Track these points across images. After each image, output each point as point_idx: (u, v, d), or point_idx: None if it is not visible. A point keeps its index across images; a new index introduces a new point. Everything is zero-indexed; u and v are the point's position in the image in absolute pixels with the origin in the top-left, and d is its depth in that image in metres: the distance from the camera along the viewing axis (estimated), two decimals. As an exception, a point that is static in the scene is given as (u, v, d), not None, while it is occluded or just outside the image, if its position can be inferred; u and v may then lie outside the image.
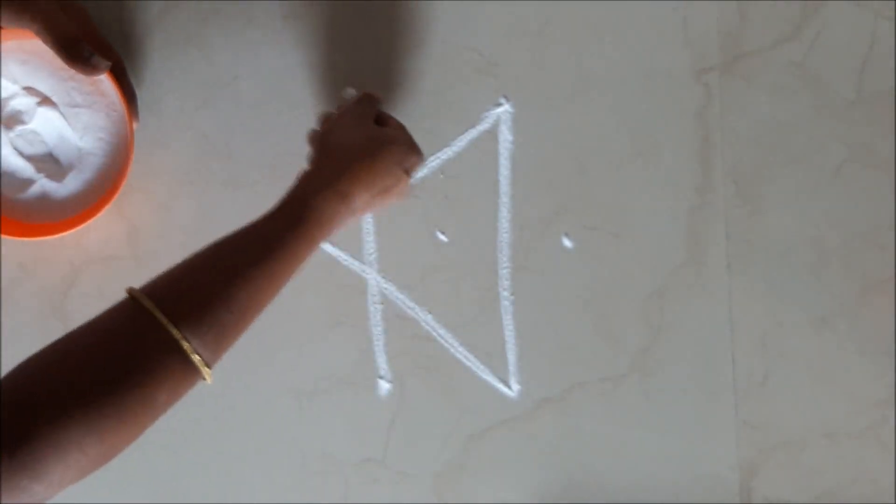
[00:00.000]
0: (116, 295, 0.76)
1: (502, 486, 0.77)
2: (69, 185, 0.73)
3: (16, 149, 0.72)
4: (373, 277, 0.76)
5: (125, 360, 0.50)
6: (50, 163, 0.73)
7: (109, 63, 0.68)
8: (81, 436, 0.47)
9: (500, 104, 0.76)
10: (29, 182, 0.73)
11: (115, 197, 0.70)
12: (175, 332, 0.51)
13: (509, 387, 0.77)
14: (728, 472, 0.77)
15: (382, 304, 0.77)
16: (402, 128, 0.68)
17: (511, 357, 0.77)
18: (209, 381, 0.53)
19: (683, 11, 0.76)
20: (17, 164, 0.72)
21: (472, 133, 0.76)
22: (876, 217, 0.77)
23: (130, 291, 0.53)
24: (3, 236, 0.71)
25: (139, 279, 0.76)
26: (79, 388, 0.48)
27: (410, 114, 0.76)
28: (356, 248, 0.76)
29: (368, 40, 0.76)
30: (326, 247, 0.76)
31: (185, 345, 0.51)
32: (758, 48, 0.76)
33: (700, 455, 0.77)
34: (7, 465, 0.45)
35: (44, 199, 0.73)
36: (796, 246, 0.77)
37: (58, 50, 0.65)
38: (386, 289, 0.77)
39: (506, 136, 0.76)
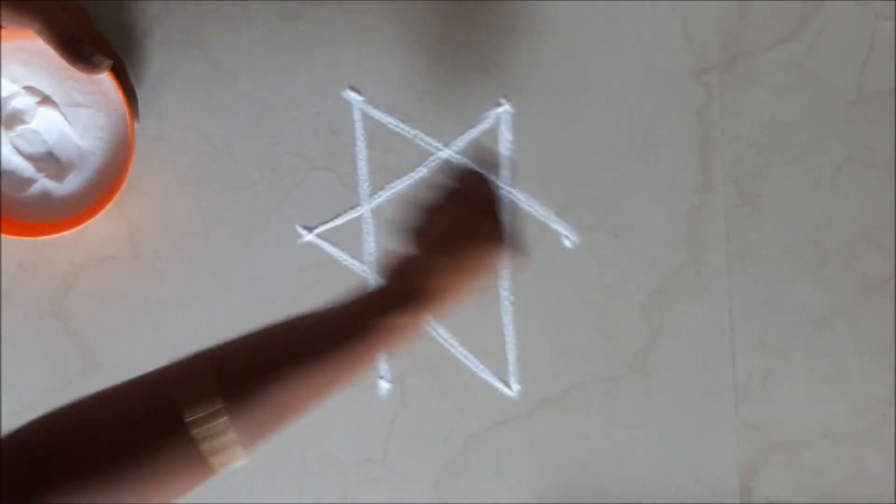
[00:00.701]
0: (116, 295, 0.76)
1: (502, 486, 0.77)
2: (70, 185, 0.73)
3: (16, 148, 0.72)
4: (373, 277, 0.76)
5: (137, 431, 0.47)
6: (50, 162, 0.73)
7: (110, 62, 0.68)
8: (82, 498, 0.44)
9: (500, 104, 0.76)
10: (29, 181, 0.73)
11: (116, 197, 0.70)
12: (201, 404, 0.47)
13: (509, 387, 0.77)
14: (728, 472, 0.77)
15: (382, 304, 0.77)
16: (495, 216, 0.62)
17: (511, 357, 0.77)
18: (230, 464, 0.48)
19: (683, 11, 0.76)
20: (18, 164, 0.72)
21: (472, 133, 0.77)
22: (876, 217, 0.77)
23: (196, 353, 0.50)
24: (4, 235, 0.71)
25: (139, 279, 0.76)
26: (85, 454, 0.45)
27: (411, 114, 0.76)
28: (356, 248, 0.76)
29: (368, 40, 0.76)
30: (326, 246, 0.76)
31: (204, 421, 0.47)
32: (758, 48, 0.76)
33: (700, 455, 0.77)
34: None
35: (44, 199, 0.73)
36: (796, 246, 0.77)
37: (59, 49, 0.65)
38: (386, 289, 0.77)
39: (506, 136, 0.77)
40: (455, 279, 0.57)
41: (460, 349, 0.77)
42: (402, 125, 0.76)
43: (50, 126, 0.72)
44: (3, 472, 0.43)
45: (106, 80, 0.70)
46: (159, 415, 0.47)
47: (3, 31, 0.67)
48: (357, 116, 0.76)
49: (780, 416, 0.77)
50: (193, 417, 0.46)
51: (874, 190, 0.77)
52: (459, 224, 0.59)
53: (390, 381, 0.77)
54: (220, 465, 0.47)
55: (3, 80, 0.71)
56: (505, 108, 0.76)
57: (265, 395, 0.49)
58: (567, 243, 0.77)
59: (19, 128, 0.72)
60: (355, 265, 0.76)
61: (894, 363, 0.77)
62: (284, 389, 0.50)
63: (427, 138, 0.76)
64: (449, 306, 0.57)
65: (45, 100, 0.72)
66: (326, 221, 0.76)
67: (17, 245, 0.74)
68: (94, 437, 0.46)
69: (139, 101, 0.72)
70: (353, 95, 0.76)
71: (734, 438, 0.77)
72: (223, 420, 0.47)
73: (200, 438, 0.46)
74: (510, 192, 0.77)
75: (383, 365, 0.77)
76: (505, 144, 0.76)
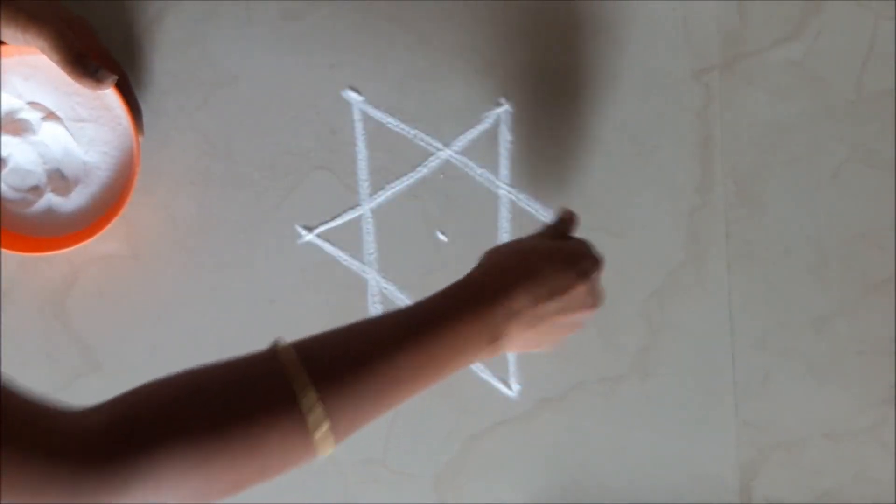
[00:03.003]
0: (116, 295, 0.76)
1: (502, 486, 0.77)
2: (75, 200, 0.73)
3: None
4: (373, 277, 0.76)
5: (246, 398, 0.48)
6: (56, 177, 0.72)
7: (115, 77, 0.67)
8: (183, 462, 0.45)
9: (500, 104, 0.76)
10: (35, 197, 0.72)
11: (122, 212, 0.70)
12: (298, 387, 0.49)
13: (509, 387, 0.77)
14: (728, 472, 0.77)
15: (382, 304, 0.77)
16: (581, 241, 0.65)
17: (511, 357, 0.77)
18: (320, 449, 0.50)
19: (683, 11, 0.76)
20: (24, 178, 0.72)
21: (472, 133, 0.77)
22: (876, 217, 0.77)
23: (276, 341, 0.51)
24: (10, 251, 0.70)
25: (139, 279, 0.76)
26: (192, 415, 0.46)
27: (411, 114, 0.76)
28: (356, 248, 0.76)
29: (368, 40, 0.76)
30: (326, 247, 0.76)
31: (305, 400, 0.49)
32: (758, 48, 0.76)
33: (700, 455, 0.77)
34: (99, 472, 0.43)
35: (50, 214, 0.73)
36: (796, 246, 0.77)
37: (63, 65, 0.65)
38: (386, 289, 0.77)
39: (506, 136, 0.77)
40: (530, 345, 0.61)
41: (460, 349, 0.77)
42: (402, 125, 0.76)
43: (55, 141, 0.72)
44: (108, 431, 0.44)
45: (110, 94, 0.69)
46: (276, 391, 0.49)
47: (7, 47, 0.67)
48: (357, 116, 0.76)
49: (780, 416, 0.77)
50: (305, 402, 0.49)
51: (874, 190, 0.77)
52: (570, 309, 0.61)
53: (390, 381, 0.77)
54: (320, 451, 0.50)
55: (8, 96, 0.71)
56: (505, 108, 0.76)
57: (358, 390, 0.51)
58: (567, 243, 0.77)
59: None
60: (355, 265, 0.77)
61: (894, 363, 0.77)
62: (376, 384, 0.52)
63: (427, 138, 0.76)
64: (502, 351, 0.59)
65: (50, 115, 0.71)
66: (326, 221, 0.76)
67: (17, 245, 0.74)
68: (208, 401, 0.47)
69: (141, 105, 0.72)
70: (353, 95, 0.76)
71: (734, 438, 0.77)
72: (321, 411, 0.49)
73: (310, 422, 0.49)
74: (510, 192, 0.77)
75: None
76: (505, 144, 0.76)
